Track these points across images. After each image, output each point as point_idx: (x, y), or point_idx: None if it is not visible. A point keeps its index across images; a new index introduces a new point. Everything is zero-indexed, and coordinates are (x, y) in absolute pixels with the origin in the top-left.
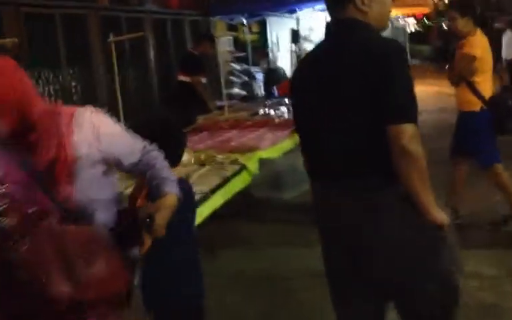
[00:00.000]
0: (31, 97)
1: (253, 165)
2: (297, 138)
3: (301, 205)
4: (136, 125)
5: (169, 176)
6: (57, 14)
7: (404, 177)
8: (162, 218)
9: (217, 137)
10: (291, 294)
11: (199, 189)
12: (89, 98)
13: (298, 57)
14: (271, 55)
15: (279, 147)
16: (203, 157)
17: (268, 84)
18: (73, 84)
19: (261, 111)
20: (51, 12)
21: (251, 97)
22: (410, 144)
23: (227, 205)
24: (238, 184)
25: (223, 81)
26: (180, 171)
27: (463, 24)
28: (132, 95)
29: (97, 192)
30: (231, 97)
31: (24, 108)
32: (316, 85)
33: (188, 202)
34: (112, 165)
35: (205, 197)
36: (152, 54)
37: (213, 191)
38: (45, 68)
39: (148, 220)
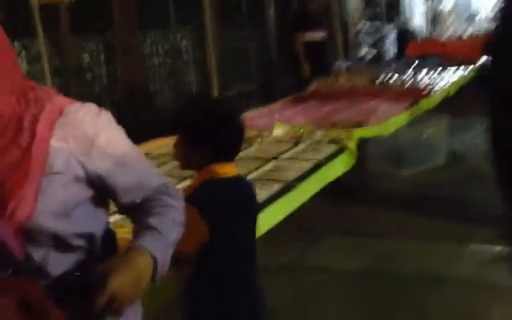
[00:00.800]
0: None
1: (354, 144)
2: (416, 111)
3: (420, 187)
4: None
5: (168, 227)
6: None
7: None
8: (120, 281)
9: (323, 106)
10: (400, 299)
11: (284, 175)
12: (197, 59)
13: (433, 15)
14: (405, 12)
15: (390, 122)
16: (301, 131)
17: (400, 44)
18: (183, 44)
19: (381, 77)
20: None
21: (380, 58)
22: None
23: (335, 182)
24: (335, 169)
25: (349, 40)
26: (271, 149)
27: None
28: (248, 58)
29: (71, 222)
30: (358, 58)
31: None
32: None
33: (243, 206)
34: (104, 192)
35: (289, 187)
36: (272, 11)
37: (302, 178)
38: (155, 28)
39: (99, 282)
